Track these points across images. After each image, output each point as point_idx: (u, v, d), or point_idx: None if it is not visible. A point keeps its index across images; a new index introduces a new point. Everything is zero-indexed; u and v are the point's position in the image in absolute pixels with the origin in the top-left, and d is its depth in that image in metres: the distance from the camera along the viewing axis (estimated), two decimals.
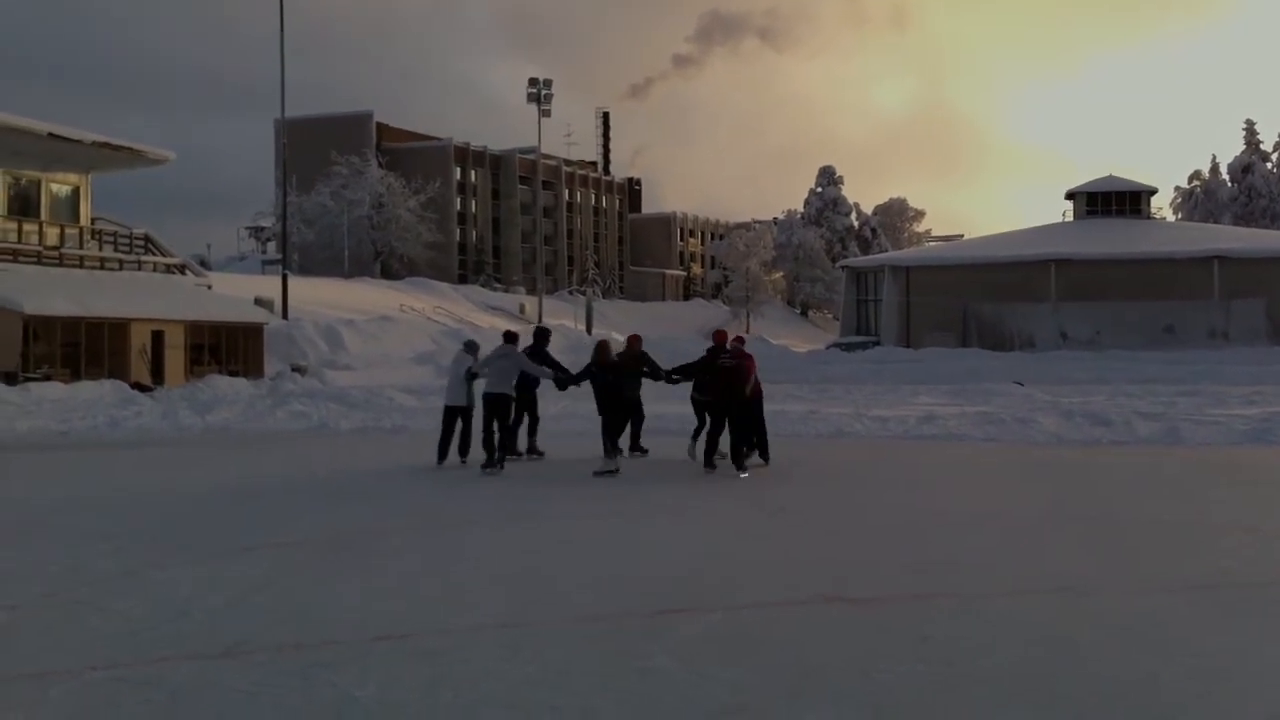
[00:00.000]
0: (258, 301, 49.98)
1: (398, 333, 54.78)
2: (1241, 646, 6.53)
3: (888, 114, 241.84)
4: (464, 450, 16.21)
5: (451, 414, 16.26)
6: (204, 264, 64.97)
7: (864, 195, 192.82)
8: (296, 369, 42.61)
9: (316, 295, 62.64)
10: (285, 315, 51.32)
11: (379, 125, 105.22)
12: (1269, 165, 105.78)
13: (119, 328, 36.24)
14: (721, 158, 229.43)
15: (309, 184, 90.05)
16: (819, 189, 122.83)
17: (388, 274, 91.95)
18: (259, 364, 41.44)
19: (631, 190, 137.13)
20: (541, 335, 17.76)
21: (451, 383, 16.56)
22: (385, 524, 11.27)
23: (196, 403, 28.78)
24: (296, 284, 57.77)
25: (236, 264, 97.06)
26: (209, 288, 45.69)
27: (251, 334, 41.97)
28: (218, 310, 41.55)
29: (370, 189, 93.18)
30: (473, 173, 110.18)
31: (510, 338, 16.45)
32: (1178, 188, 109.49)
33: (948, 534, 10.57)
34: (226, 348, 40.87)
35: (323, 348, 47.71)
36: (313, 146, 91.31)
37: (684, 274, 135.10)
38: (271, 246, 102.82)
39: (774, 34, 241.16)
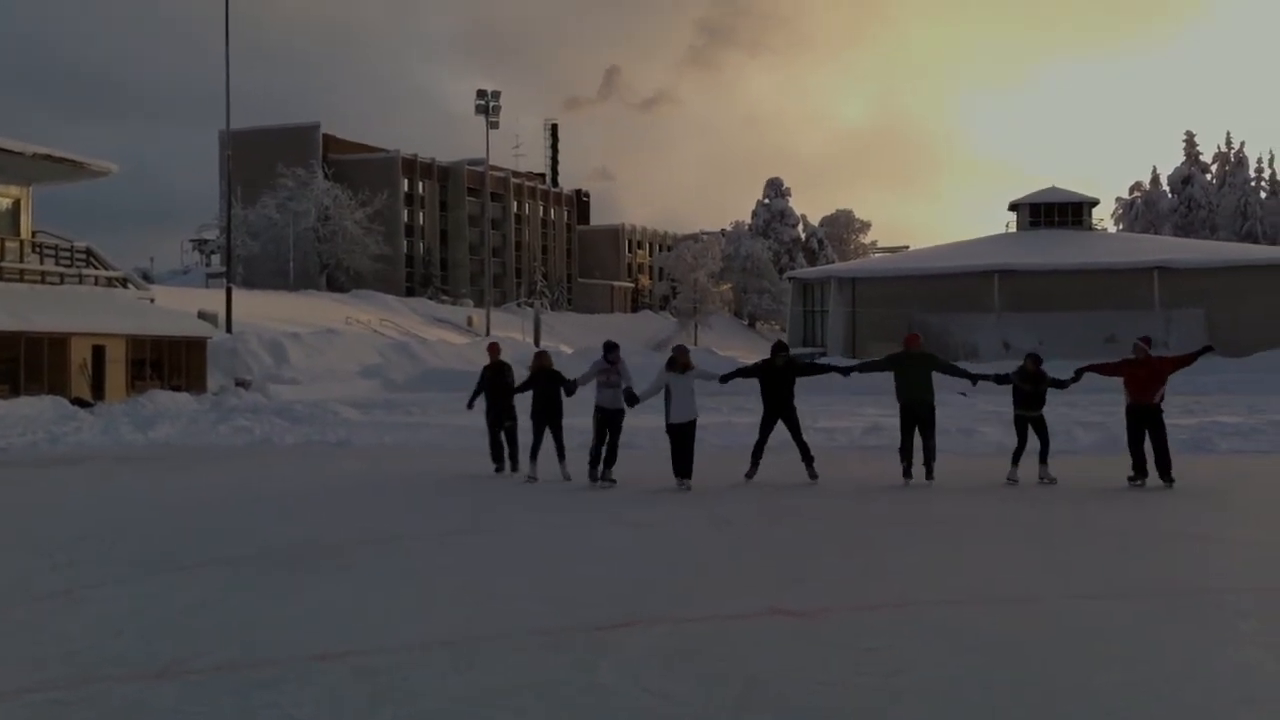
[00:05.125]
0: (201, 315, 49.48)
1: (343, 346, 54.41)
2: (1188, 653, 6.59)
3: (837, 126, 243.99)
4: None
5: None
6: (147, 277, 64.32)
7: (810, 207, 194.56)
8: (240, 383, 42.21)
9: (261, 308, 62.12)
10: (229, 329, 50.84)
11: (326, 136, 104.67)
12: (1208, 177, 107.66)
13: (59, 342, 35.71)
14: (680, 169, 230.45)
15: (254, 196, 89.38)
16: (766, 200, 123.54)
17: (334, 286, 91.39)
18: (202, 378, 40.99)
19: (580, 202, 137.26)
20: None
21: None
22: (329, 540, 11.15)
23: (138, 418, 28.42)
24: (241, 297, 57.24)
25: (180, 277, 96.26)
26: (151, 301, 45.17)
27: (194, 348, 41.51)
28: (160, 324, 41.04)
29: (316, 201, 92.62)
30: (420, 184, 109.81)
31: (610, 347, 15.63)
32: (1119, 199, 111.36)
33: (892, 544, 10.62)
34: (169, 362, 40.39)
35: (267, 361, 47.28)
36: (258, 158, 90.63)
37: (632, 286, 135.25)
38: (216, 259, 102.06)
39: (751, 44, 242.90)
